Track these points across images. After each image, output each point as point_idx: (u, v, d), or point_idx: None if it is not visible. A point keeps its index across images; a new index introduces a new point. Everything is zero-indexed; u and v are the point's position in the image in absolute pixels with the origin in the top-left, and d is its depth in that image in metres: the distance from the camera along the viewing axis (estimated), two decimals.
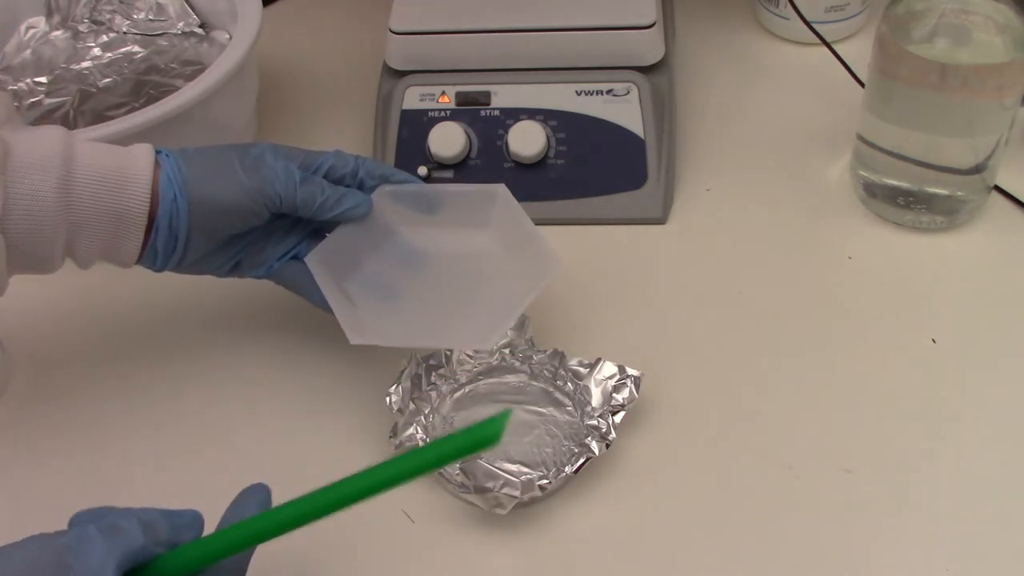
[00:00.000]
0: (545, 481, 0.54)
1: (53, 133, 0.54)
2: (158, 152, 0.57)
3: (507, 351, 0.61)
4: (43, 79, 0.77)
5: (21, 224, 0.52)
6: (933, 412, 0.59)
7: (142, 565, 0.42)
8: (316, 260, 0.60)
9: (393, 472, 0.43)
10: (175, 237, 0.57)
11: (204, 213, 0.56)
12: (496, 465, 0.54)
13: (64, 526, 0.57)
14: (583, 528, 0.55)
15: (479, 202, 0.62)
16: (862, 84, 0.73)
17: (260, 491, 0.45)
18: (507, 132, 0.72)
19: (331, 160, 0.60)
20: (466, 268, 0.62)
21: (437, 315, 0.61)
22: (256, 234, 0.60)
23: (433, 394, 0.60)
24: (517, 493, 0.53)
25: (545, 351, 0.61)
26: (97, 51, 0.79)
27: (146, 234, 0.56)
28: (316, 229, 0.62)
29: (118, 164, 0.55)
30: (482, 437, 0.41)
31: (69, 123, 0.75)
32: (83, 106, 0.76)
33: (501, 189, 0.61)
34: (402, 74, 0.74)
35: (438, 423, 0.60)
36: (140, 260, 0.58)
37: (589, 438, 0.56)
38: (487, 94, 0.73)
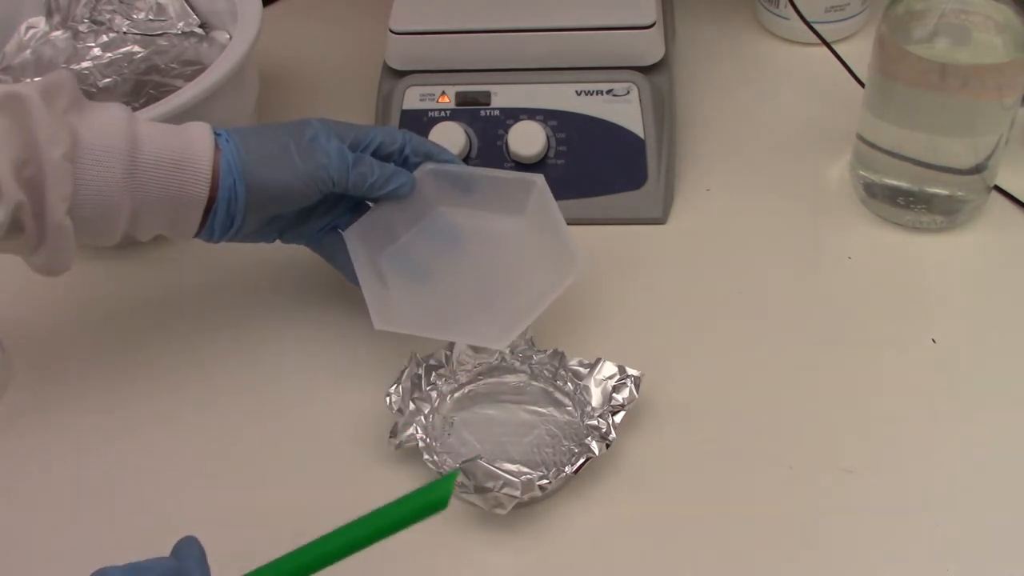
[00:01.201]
0: (545, 481, 0.54)
1: (117, 116, 0.55)
2: (217, 134, 0.58)
3: (507, 351, 0.61)
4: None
5: (88, 209, 0.54)
6: (933, 412, 0.59)
7: None
8: (354, 236, 0.62)
9: (340, 543, 0.43)
10: (232, 217, 0.58)
11: (260, 197, 0.58)
12: (496, 465, 0.54)
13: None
14: (583, 528, 0.55)
15: (516, 189, 0.63)
16: (862, 84, 0.73)
17: (193, 546, 0.45)
18: (507, 132, 0.72)
19: (380, 137, 0.61)
20: (496, 254, 0.63)
21: (460, 304, 0.62)
22: (303, 208, 0.61)
23: (433, 394, 0.60)
24: (517, 493, 0.53)
25: (545, 351, 0.61)
26: (97, 51, 0.79)
27: (204, 213, 0.58)
28: (358, 201, 0.63)
29: (180, 148, 0.56)
30: (431, 500, 0.41)
31: None
32: None
33: (539, 180, 0.63)
34: (402, 74, 0.74)
35: (438, 423, 0.60)
36: (197, 235, 0.59)
37: (589, 438, 0.56)
38: (487, 94, 0.73)
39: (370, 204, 0.63)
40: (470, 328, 0.60)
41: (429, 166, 0.63)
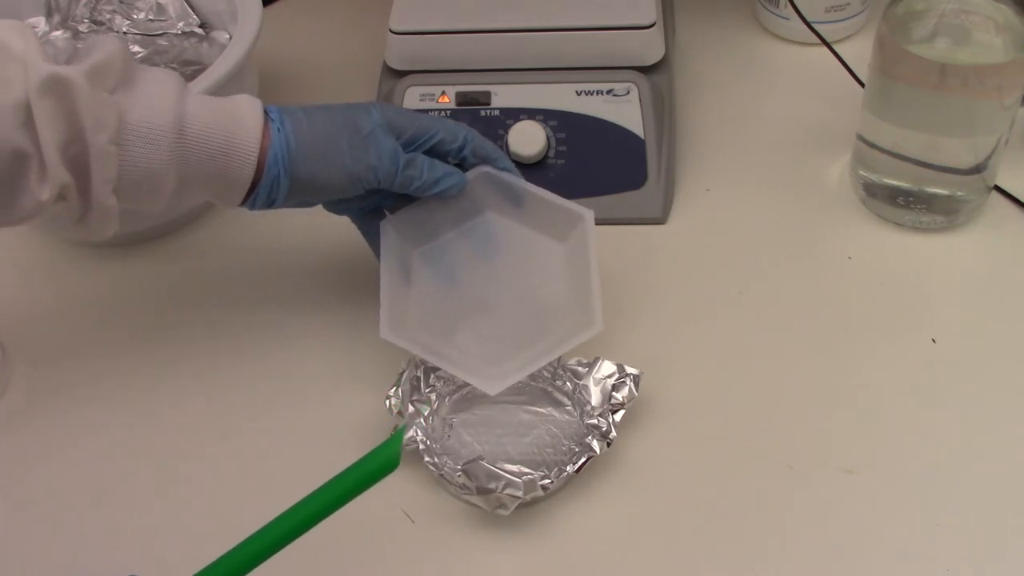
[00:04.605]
0: (547, 481, 0.54)
1: (167, 92, 0.54)
2: (269, 116, 0.57)
3: None
4: None
5: (133, 189, 0.54)
6: (933, 412, 0.59)
7: None
8: (391, 227, 0.61)
9: (301, 517, 0.42)
10: (272, 200, 0.58)
11: (302, 188, 0.58)
12: (498, 466, 0.54)
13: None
14: (585, 526, 0.55)
15: (563, 217, 0.62)
16: (862, 84, 0.73)
17: None
18: (507, 132, 0.72)
19: (441, 134, 0.60)
20: (525, 277, 0.62)
21: (473, 324, 0.61)
22: None
23: (432, 396, 0.60)
24: (520, 493, 0.53)
25: None
26: None
27: (249, 188, 0.57)
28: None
29: (228, 130, 0.55)
30: (382, 462, 0.41)
31: None
32: None
33: (588, 215, 0.62)
34: (402, 74, 0.74)
35: (437, 425, 0.60)
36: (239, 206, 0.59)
37: (590, 437, 0.56)
38: (487, 94, 0.73)
39: None
40: (469, 362, 0.59)
41: (484, 169, 0.62)
